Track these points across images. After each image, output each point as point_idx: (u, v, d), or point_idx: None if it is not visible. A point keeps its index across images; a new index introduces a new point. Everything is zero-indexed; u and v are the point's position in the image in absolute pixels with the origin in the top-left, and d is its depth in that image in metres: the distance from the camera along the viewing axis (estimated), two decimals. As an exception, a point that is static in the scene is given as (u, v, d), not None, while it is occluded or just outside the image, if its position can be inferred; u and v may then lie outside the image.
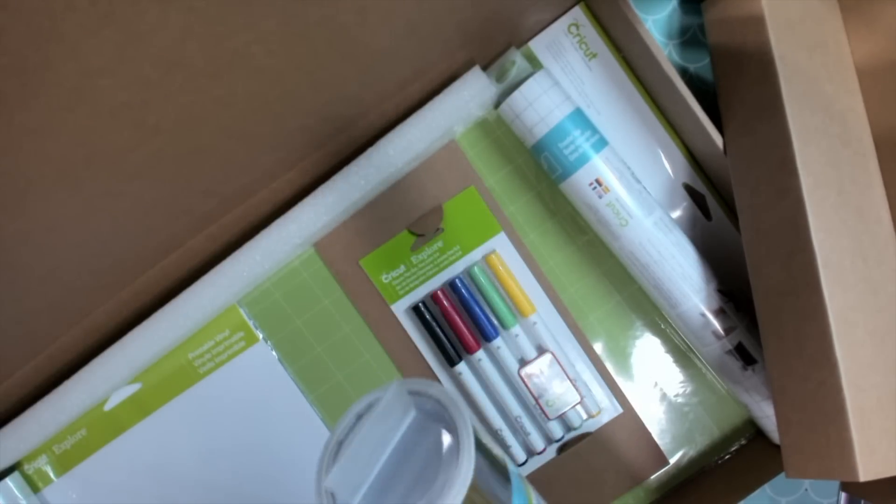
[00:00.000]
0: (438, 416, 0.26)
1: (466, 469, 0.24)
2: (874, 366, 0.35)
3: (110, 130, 0.26)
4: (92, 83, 0.22)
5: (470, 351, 0.46)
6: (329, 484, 0.24)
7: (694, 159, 0.47)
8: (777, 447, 0.44)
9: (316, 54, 0.32)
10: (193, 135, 0.31)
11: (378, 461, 0.26)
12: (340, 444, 0.26)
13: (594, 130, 0.43)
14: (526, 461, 0.47)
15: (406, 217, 0.47)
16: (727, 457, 0.47)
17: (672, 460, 0.48)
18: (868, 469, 0.33)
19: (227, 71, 0.28)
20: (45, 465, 0.48)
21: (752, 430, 0.47)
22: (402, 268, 0.47)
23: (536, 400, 0.45)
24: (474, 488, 0.25)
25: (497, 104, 0.45)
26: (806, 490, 0.49)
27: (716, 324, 0.43)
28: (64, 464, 0.48)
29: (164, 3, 0.21)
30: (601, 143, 0.43)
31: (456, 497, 0.24)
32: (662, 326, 0.47)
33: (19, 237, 0.31)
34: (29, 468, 0.48)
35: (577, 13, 0.46)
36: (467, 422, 0.26)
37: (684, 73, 0.48)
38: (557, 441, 0.47)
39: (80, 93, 0.22)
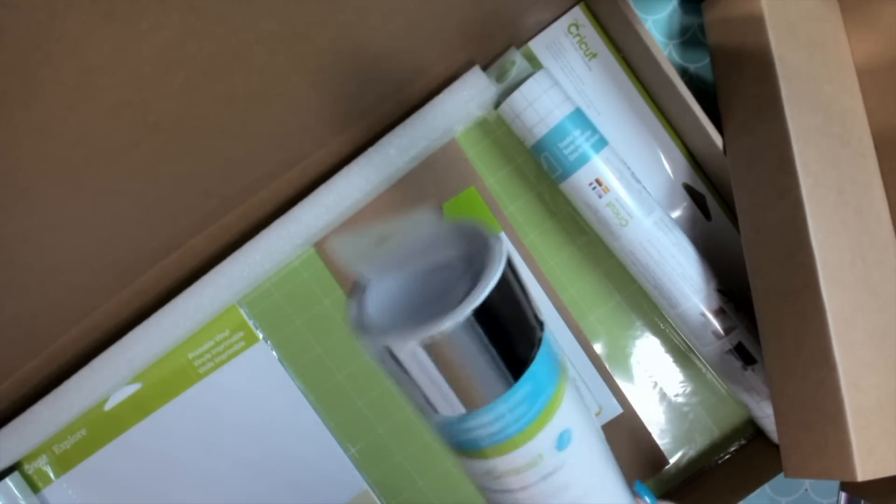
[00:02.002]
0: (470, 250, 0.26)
1: (501, 255, 0.23)
2: (873, 366, 0.35)
3: (111, 129, 0.26)
4: (92, 81, 0.22)
5: (470, 351, 0.46)
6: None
7: (694, 159, 0.47)
8: (777, 447, 0.44)
9: (316, 54, 0.32)
10: (194, 134, 0.31)
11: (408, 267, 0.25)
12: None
13: (594, 130, 0.43)
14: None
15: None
16: (727, 457, 0.47)
17: (672, 460, 0.48)
18: (866, 469, 0.33)
19: (227, 70, 0.28)
20: (45, 465, 0.48)
21: (752, 430, 0.47)
22: (402, 268, 0.47)
23: (536, 400, 0.45)
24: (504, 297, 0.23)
25: (497, 104, 0.45)
26: (806, 490, 0.49)
27: (716, 323, 0.43)
28: (64, 464, 0.48)
29: (165, 1, 0.21)
30: (601, 143, 0.43)
31: (490, 280, 0.22)
32: (662, 326, 0.47)
33: (19, 236, 0.31)
34: (29, 468, 0.48)
35: (577, 13, 0.46)
36: (502, 240, 0.25)
37: (684, 73, 0.48)
38: (557, 441, 0.47)
39: (80, 91, 0.22)
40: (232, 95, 0.30)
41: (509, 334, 0.23)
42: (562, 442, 0.25)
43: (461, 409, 0.24)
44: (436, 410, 0.24)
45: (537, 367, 0.25)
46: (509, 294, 0.23)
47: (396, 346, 0.22)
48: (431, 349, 0.22)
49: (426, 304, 0.24)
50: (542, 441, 0.25)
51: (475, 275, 0.23)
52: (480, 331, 0.22)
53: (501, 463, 0.25)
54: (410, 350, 0.22)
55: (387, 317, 0.24)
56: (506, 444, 0.25)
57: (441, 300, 0.23)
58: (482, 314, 0.22)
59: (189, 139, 0.32)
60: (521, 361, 0.24)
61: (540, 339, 0.25)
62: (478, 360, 0.23)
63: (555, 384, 0.26)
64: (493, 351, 0.23)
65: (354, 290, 0.26)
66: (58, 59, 0.20)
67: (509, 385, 0.24)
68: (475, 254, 0.25)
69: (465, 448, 0.25)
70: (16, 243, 0.31)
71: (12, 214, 0.29)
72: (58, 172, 0.27)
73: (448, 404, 0.24)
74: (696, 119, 0.42)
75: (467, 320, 0.22)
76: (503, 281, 0.23)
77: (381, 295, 0.25)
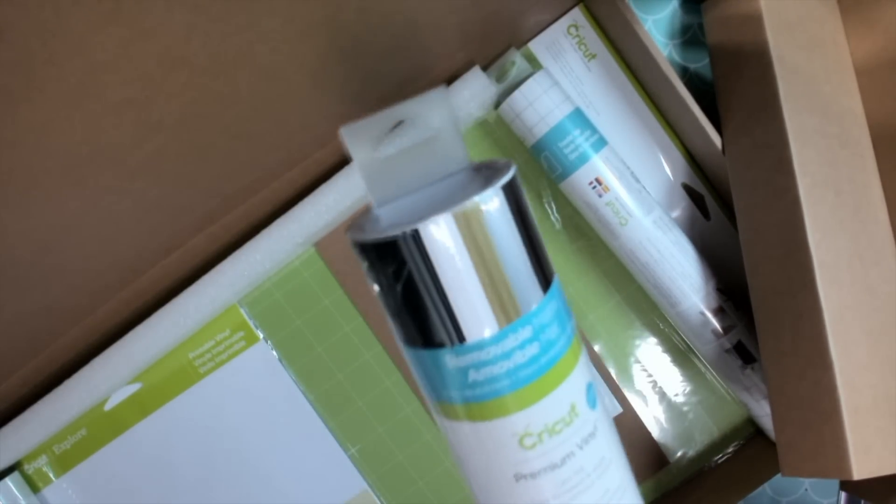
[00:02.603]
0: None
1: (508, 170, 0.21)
2: (869, 365, 0.35)
3: (114, 127, 0.26)
4: (97, 79, 0.22)
5: (470, 350, 0.46)
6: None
7: (693, 159, 0.47)
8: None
9: (318, 53, 0.32)
10: (196, 133, 0.31)
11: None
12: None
13: (594, 130, 0.43)
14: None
15: (406, 217, 0.47)
16: (727, 456, 0.47)
17: (672, 460, 0.48)
18: (862, 468, 0.33)
19: (230, 69, 0.28)
20: (45, 465, 0.48)
21: (752, 430, 0.47)
22: (402, 268, 0.47)
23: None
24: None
25: (497, 104, 0.45)
26: (806, 490, 0.49)
27: (715, 322, 0.43)
28: (64, 464, 0.48)
29: (169, 0, 0.21)
30: (601, 143, 0.43)
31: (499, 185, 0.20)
32: (662, 326, 0.48)
33: (20, 234, 0.31)
34: (29, 468, 0.48)
35: (577, 14, 0.46)
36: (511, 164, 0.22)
37: (684, 73, 0.48)
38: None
39: (84, 88, 0.22)
40: (234, 94, 0.30)
41: (534, 230, 0.21)
42: (591, 395, 0.22)
43: (492, 324, 0.20)
44: (459, 334, 0.20)
45: (558, 291, 0.22)
46: (524, 199, 0.21)
47: (427, 227, 0.19)
48: (467, 233, 0.20)
49: (439, 208, 0.21)
50: (575, 384, 0.22)
51: (486, 179, 0.21)
52: (510, 214, 0.20)
53: (536, 416, 0.21)
54: (443, 232, 0.19)
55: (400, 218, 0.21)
56: (543, 381, 0.21)
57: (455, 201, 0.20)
58: (511, 195, 0.20)
59: (191, 138, 0.32)
60: (549, 270, 0.21)
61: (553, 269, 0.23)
62: (511, 249, 0.20)
63: (573, 321, 0.23)
64: (524, 243, 0.20)
65: (359, 216, 0.23)
66: (62, 57, 0.20)
67: (542, 292, 0.21)
68: (481, 167, 0.23)
69: (487, 397, 0.21)
70: (17, 241, 0.31)
71: (14, 212, 0.29)
72: (60, 170, 0.27)
73: (476, 318, 0.20)
74: (696, 119, 0.42)
75: (501, 195, 0.20)
76: (518, 183, 0.21)
77: (389, 212, 0.22)
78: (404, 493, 0.48)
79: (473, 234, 0.20)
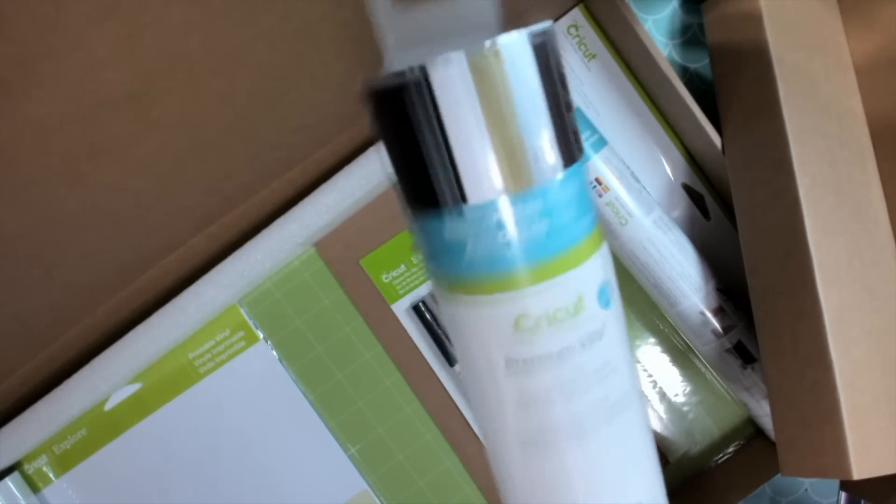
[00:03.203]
0: None
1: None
2: (869, 365, 0.35)
3: (113, 123, 0.26)
4: (96, 74, 0.22)
5: (469, 350, 0.46)
6: None
7: (693, 159, 0.47)
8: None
9: (318, 51, 0.32)
10: (195, 131, 0.31)
11: None
12: None
13: (593, 130, 0.43)
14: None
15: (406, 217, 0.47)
16: (727, 457, 0.47)
17: (672, 460, 0.48)
18: (862, 467, 0.33)
19: (229, 66, 0.28)
20: (45, 465, 0.48)
21: (752, 430, 0.47)
22: (403, 267, 0.47)
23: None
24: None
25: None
26: (806, 490, 0.49)
27: (715, 322, 0.43)
28: (64, 464, 0.48)
29: (168, -4, 0.21)
30: (600, 143, 0.43)
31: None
32: (661, 326, 0.48)
33: (19, 232, 0.31)
34: (29, 468, 0.48)
35: (577, 14, 0.46)
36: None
37: (684, 73, 0.48)
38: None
39: (83, 84, 0.22)
40: (233, 92, 0.30)
41: (564, 100, 0.19)
42: (604, 295, 0.20)
43: (498, 189, 0.18)
44: (461, 194, 0.18)
45: (581, 176, 0.20)
46: (560, 63, 0.19)
47: (436, 65, 0.17)
48: (482, 77, 0.17)
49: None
50: (586, 277, 0.20)
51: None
52: (537, 70, 0.18)
53: (535, 298, 0.19)
54: (455, 73, 0.17)
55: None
56: (548, 263, 0.19)
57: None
58: (542, 50, 0.18)
59: (190, 136, 0.32)
60: (574, 147, 0.19)
61: (582, 147, 0.20)
62: (531, 110, 0.18)
63: (595, 215, 0.21)
64: (549, 107, 0.18)
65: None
66: (61, 52, 0.20)
67: (563, 167, 0.19)
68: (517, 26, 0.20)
69: (485, 269, 0.19)
70: (15, 239, 0.31)
71: (12, 210, 0.29)
72: (59, 167, 0.27)
73: (480, 178, 0.18)
74: (695, 119, 0.42)
75: (527, 45, 0.18)
76: (555, 43, 0.19)
77: (403, 62, 0.20)
78: (404, 493, 0.48)
79: (489, 82, 0.18)
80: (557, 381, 0.20)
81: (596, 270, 0.20)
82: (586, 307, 0.20)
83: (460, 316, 0.20)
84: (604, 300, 0.20)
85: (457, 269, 0.20)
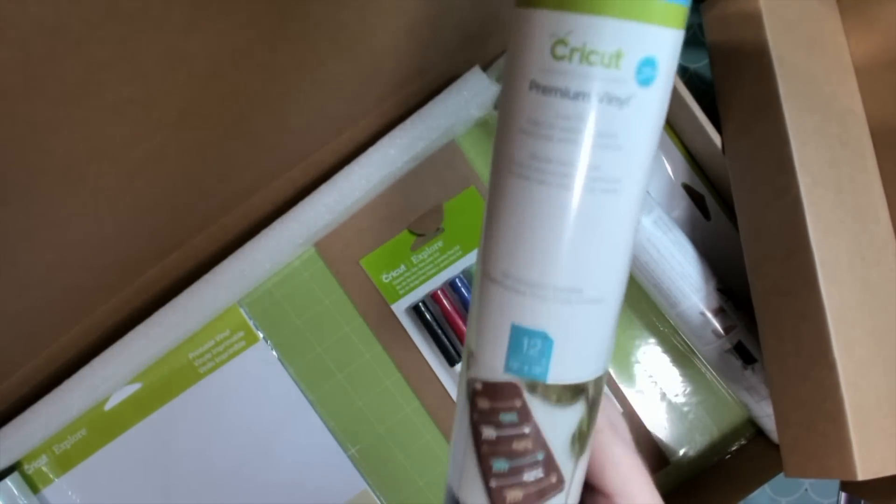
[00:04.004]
0: None
1: None
2: (872, 365, 0.35)
3: (113, 125, 0.26)
4: (96, 77, 0.22)
5: (470, 350, 0.46)
6: None
7: (693, 159, 0.47)
8: (777, 447, 0.44)
9: (317, 53, 0.32)
10: (195, 132, 0.31)
11: None
12: None
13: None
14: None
15: (406, 217, 0.47)
16: (727, 457, 0.47)
17: (672, 460, 0.48)
18: (866, 468, 0.33)
19: (229, 68, 0.28)
20: (44, 465, 0.48)
21: (752, 430, 0.47)
22: (403, 267, 0.47)
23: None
24: None
25: (497, 104, 0.45)
26: (806, 490, 0.49)
27: (715, 323, 0.43)
28: (64, 464, 0.48)
29: (168, -2, 0.21)
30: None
31: None
32: (662, 327, 0.47)
33: (21, 233, 0.31)
34: (29, 468, 0.48)
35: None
36: None
37: (684, 73, 0.48)
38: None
39: (84, 87, 0.22)
40: (233, 93, 0.30)
41: None
42: (645, 70, 0.20)
43: None
44: None
45: None
46: None
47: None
48: None
49: None
50: (633, 37, 0.20)
51: None
52: None
53: (576, 27, 0.20)
54: None
55: None
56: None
57: None
58: None
59: (190, 137, 0.32)
60: None
61: None
62: None
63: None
64: None
65: None
66: (62, 55, 0.20)
67: None
68: None
69: None
70: (16, 241, 0.31)
71: (13, 211, 0.29)
72: (60, 169, 0.27)
73: None
74: (696, 119, 0.42)
75: None
76: None
77: None
78: (404, 493, 0.48)
79: None
80: (561, 120, 0.20)
81: (649, 39, 0.20)
82: (621, 67, 0.20)
83: (515, 29, 0.21)
84: (643, 76, 0.20)
85: None
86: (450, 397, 0.48)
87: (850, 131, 0.40)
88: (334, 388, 0.48)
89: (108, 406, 0.48)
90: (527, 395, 0.22)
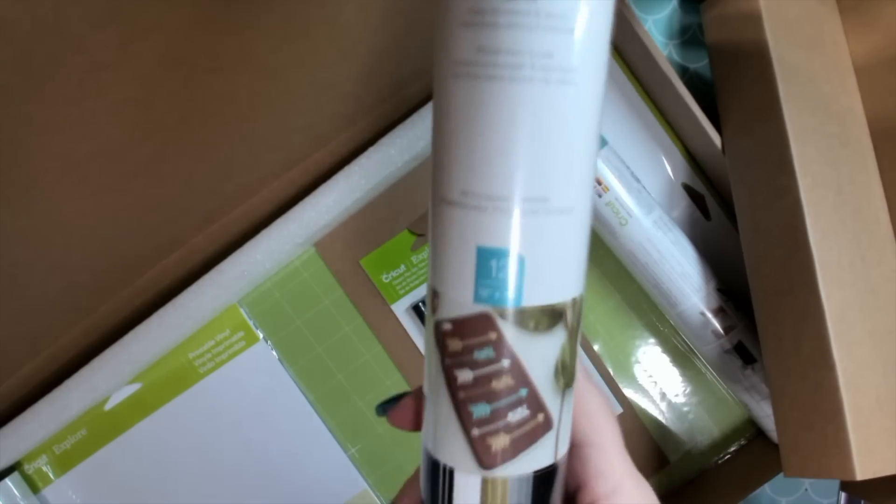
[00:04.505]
0: None
1: None
2: (872, 365, 0.35)
3: (114, 126, 0.26)
4: (97, 78, 0.22)
5: (470, 350, 0.46)
6: None
7: (693, 159, 0.47)
8: (777, 447, 0.44)
9: (317, 53, 0.32)
10: (196, 132, 0.31)
11: None
12: None
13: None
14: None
15: (407, 217, 0.47)
16: (727, 457, 0.47)
17: (672, 460, 0.48)
18: (865, 468, 0.33)
19: (229, 68, 0.28)
20: (45, 465, 0.48)
21: (752, 430, 0.47)
22: (403, 267, 0.47)
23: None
24: None
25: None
26: (806, 490, 0.49)
27: (715, 323, 0.43)
28: (64, 464, 0.48)
29: (169, -1, 0.21)
30: (600, 143, 0.43)
31: None
32: (662, 327, 0.48)
33: (21, 234, 0.31)
34: (29, 468, 0.48)
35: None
36: None
37: (684, 73, 0.48)
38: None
39: (84, 87, 0.22)
40: (233, 94, 0.30)
41: None
42: None
43: None
44: None
45: None
46: None
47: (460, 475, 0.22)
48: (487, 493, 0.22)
49: None
50: None
51: None
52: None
53: None
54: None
55: None
56: None
57: None
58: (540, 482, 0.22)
59: (191, 137, 0.32)
60: None
61: None
62: None
63: None
64: None
65: None
66: (63, 56, 0.20)
67: None
68: None
69: None
70: (17, 241, 0.31)
71: (14, 211, 0.29)
72: (60, 169, 0.27)
73: None
74: (696, 119, 0.42)
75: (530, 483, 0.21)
76: None
77: None
78: (404, 493, 0.48)
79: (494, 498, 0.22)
80: (505, 3, 0.18)
81: None
82: None
83: None
84: None
85: None
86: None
87: (850, 131, 0.40)
88: (334, 388, 0.48)
89: (108, 406, 0.48)
90: (501, 325, 0.20)
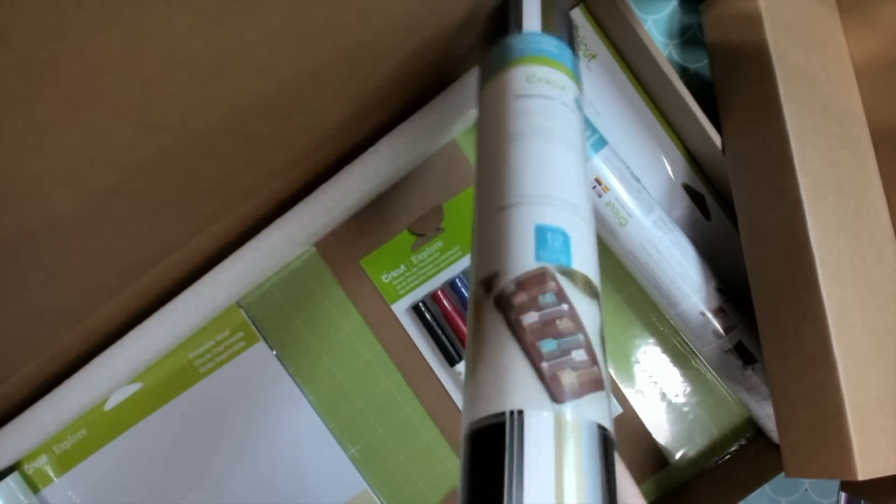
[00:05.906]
0: None
1: None
2: (873, 365, 0.35)
3: (115, 129, 0.26)
4: (98, 81, 0.22)
5: (470, 350, 0.46)
6: None
7: (693, 159, 0.47)
8: (777, 447, 0.44)
9: (319, 54, 0.32)
10: (196, 134, 0.31)
11: None
12: None
13: (593, 130, 0.43)
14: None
15: (406, 217, 0.47)
16: (727, 457, 0.47)
17: (672, 460, 0.48)
18: (866, 468, 0.33)
19: (230, 70, 0.28)
20: (45, 465, 0.48)
21: (752, 430, 0.47)
22: (403, 267, 0.47)
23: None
24: None
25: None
26: (806, 490, 0.49)
27: (715, 323, 0.43)
28: (64, 464, 0.48)
29: (170, 2, 0.21)
30: (600, 143, 0.43)
31: None
32: (661, 327, 0.48)
33: (22, 235, 0.31)
34: (29, 468, 0.48)
35: (577, 14, 0.46)
36: None
37: (684, 73, 0.48)
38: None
39: (85, 90, 0.22)
40: (234, 95, 0.30)
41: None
42: (580, 103, 0.31)
43: None
44: None
45: None
46: None
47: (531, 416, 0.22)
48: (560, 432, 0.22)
49: None
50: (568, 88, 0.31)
51: None
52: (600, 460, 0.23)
53: (537, 75, 0.30)
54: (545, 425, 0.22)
55: None
56: None
57: None
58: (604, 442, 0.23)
59: (192, 139, 0.32)
60: None
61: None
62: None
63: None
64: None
65: None
66: (64, 59, 0.20)
67: None
68: None
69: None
70: (18, 242, 0.31)
71: (15, 213, 0.29)
72: (61, 172, 0.27)
73: None
74: (695, 119, 0.42)
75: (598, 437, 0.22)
76: None
77: None
78: (404, 493, 0.48)
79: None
80: (538, 108, 0.29)
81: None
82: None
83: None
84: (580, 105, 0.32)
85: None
86: (450, 397, 0.48)
87: (850, 131, 0.40)
88: (334, 388, 0.48)
89: (108, 406, 0.48)
90: (559, 277, 0.25)
